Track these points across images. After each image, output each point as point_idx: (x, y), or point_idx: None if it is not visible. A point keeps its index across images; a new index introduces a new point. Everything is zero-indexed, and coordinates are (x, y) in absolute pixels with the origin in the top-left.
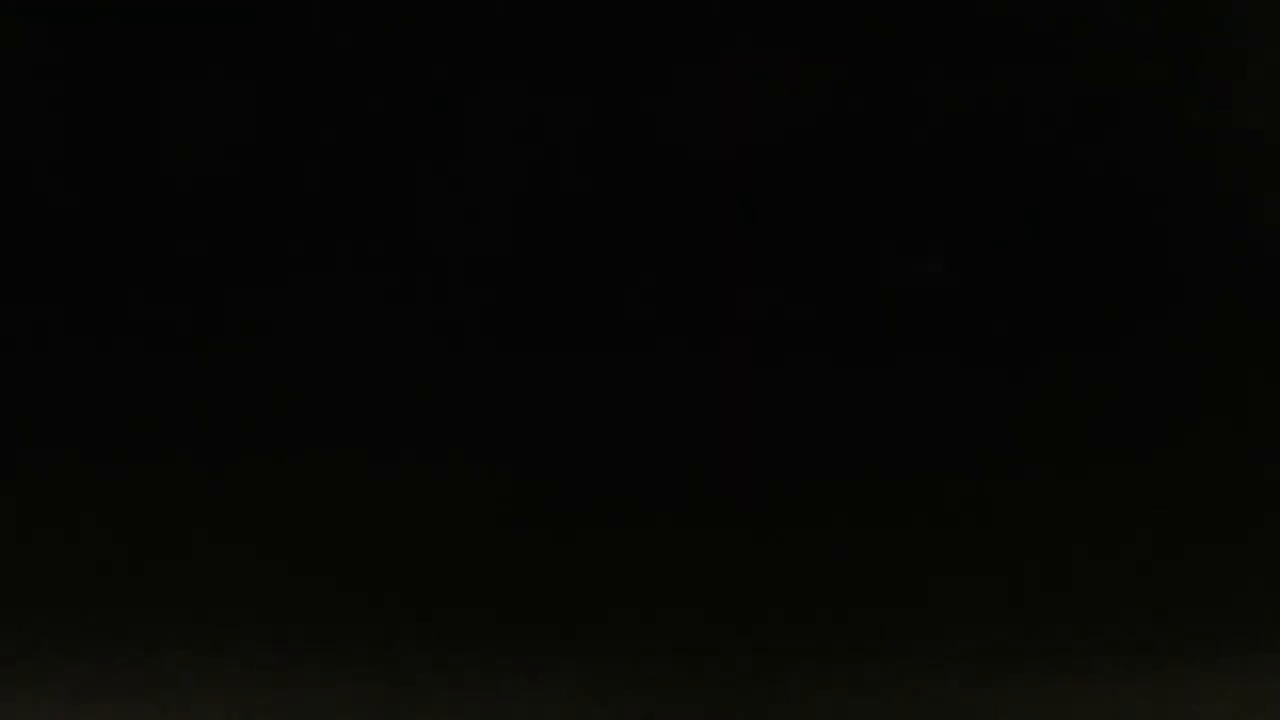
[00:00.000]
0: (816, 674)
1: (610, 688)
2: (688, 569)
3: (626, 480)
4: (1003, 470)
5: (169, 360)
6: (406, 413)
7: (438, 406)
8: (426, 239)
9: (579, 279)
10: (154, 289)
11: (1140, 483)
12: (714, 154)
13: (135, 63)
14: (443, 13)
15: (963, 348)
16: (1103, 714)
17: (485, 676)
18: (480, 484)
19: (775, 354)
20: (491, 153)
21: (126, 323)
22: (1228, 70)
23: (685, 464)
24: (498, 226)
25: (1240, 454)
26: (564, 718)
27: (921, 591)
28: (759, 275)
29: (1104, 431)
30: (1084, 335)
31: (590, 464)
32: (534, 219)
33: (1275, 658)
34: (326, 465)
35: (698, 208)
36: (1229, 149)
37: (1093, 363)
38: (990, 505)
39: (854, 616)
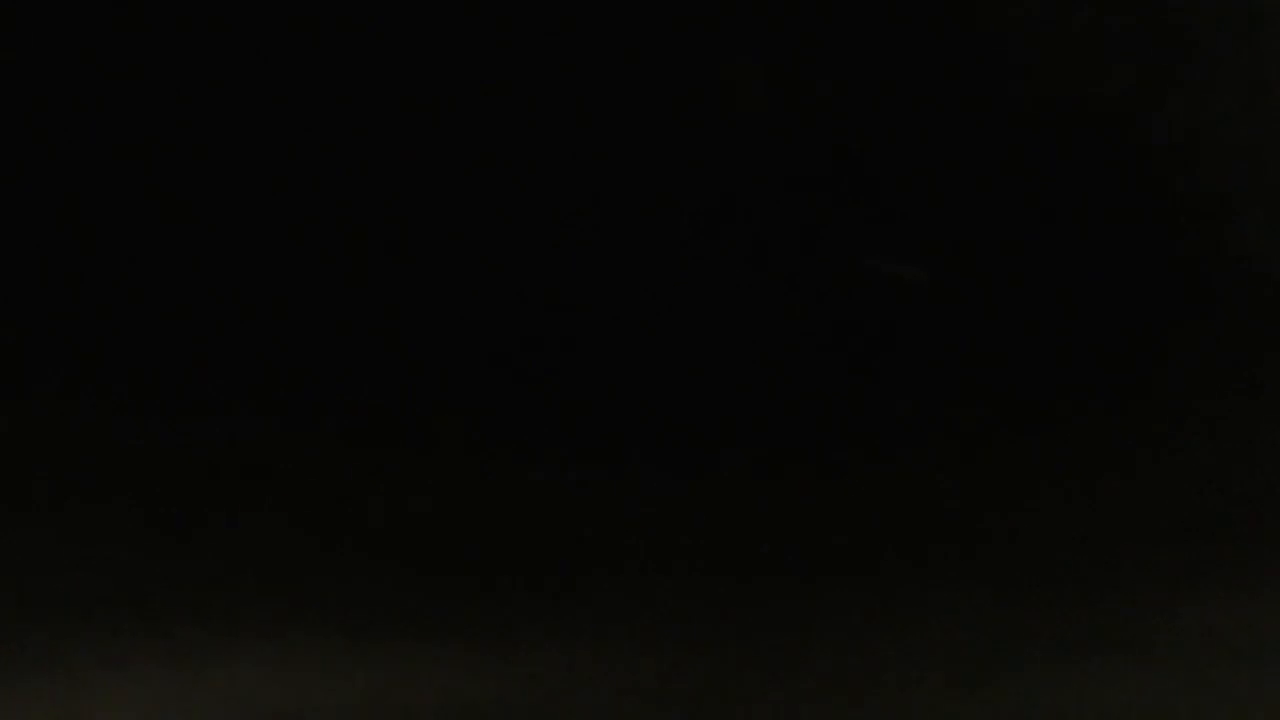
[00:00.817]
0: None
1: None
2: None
3: (627, 461)
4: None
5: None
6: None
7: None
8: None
9: (568, 278)
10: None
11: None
12: (704, 156)
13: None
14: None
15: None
16: None
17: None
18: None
19: (764, 349)
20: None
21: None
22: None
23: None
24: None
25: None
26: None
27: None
28: (747, 274)
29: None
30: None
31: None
32: (527, 218)
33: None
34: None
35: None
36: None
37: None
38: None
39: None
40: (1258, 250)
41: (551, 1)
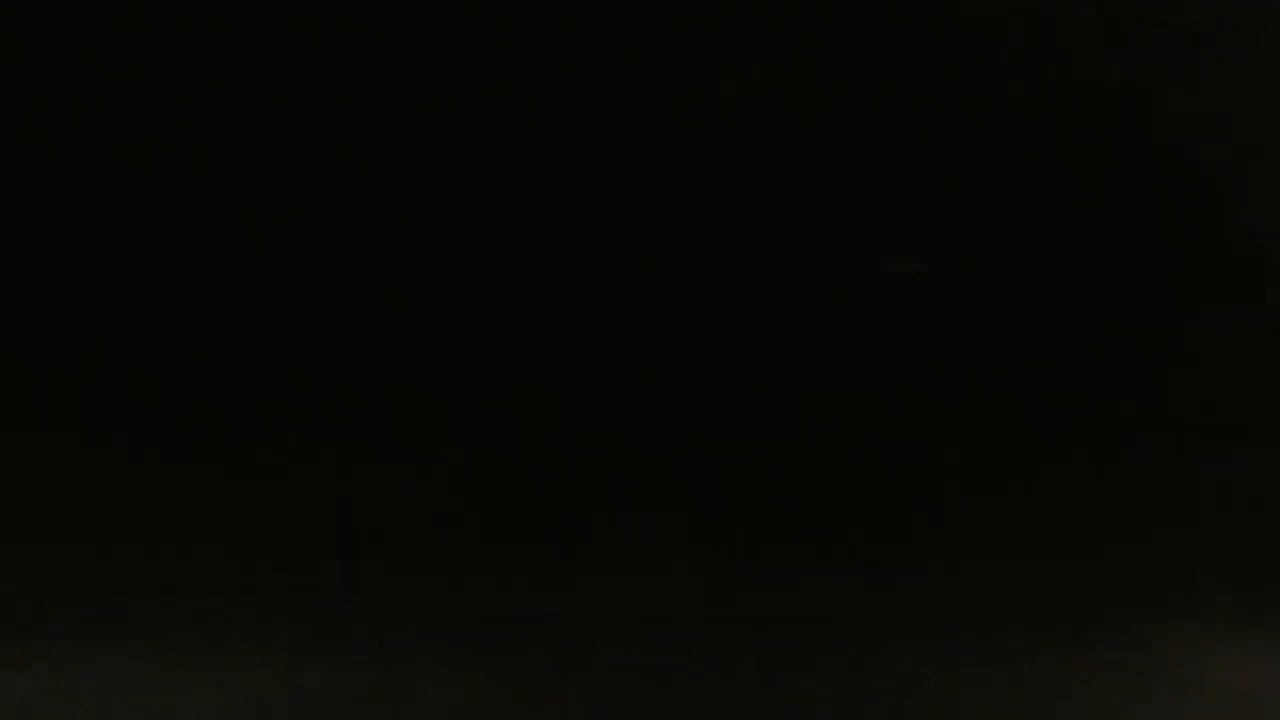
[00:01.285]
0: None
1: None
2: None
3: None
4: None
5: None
6: (380, 401)
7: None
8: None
9: (558, 273)
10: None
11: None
12: (695, 147)
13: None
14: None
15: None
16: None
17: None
18: (448, 472)
19: (752, 346)
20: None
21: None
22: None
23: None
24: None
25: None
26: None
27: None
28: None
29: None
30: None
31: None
32: (516, 216)
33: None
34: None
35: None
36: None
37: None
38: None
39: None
40: (1264, 244)
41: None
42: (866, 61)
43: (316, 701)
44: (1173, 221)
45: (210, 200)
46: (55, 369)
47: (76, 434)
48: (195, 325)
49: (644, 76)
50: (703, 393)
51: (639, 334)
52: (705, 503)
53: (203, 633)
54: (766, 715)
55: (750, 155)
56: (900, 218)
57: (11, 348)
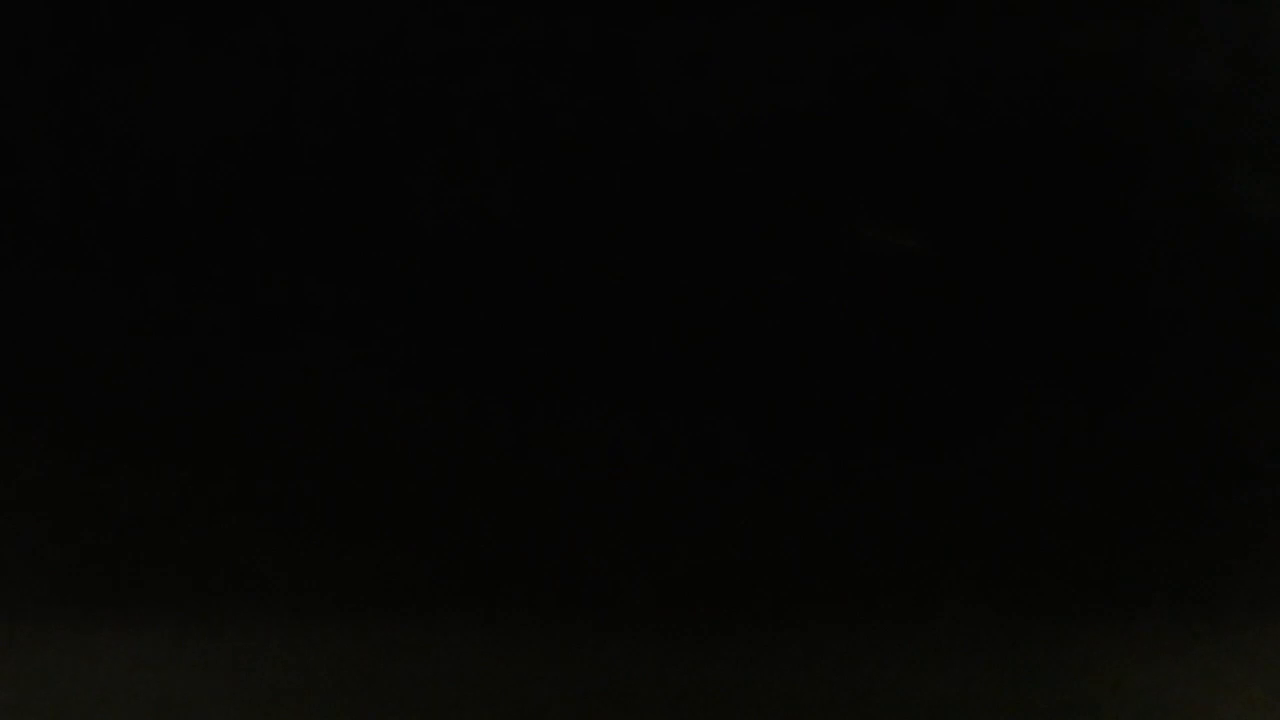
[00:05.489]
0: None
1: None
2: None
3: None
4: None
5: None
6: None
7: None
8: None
9: (549, 255)
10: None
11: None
12: (693, 127)
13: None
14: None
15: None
16: None
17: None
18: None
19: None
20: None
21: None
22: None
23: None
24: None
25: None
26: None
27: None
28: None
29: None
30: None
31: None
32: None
33: None
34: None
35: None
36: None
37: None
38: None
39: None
40: (1247, 199)
41: None
42: (862, 45)
43: None
44: (1167, 200)
45: None
46: None
47: None
48: None
49: (641, 62)
50: (691, 367)
51: (624, 315)
52: (692, 480)
53: None
54: None
55: (744, 126)
56: (894, 195)
57: None
